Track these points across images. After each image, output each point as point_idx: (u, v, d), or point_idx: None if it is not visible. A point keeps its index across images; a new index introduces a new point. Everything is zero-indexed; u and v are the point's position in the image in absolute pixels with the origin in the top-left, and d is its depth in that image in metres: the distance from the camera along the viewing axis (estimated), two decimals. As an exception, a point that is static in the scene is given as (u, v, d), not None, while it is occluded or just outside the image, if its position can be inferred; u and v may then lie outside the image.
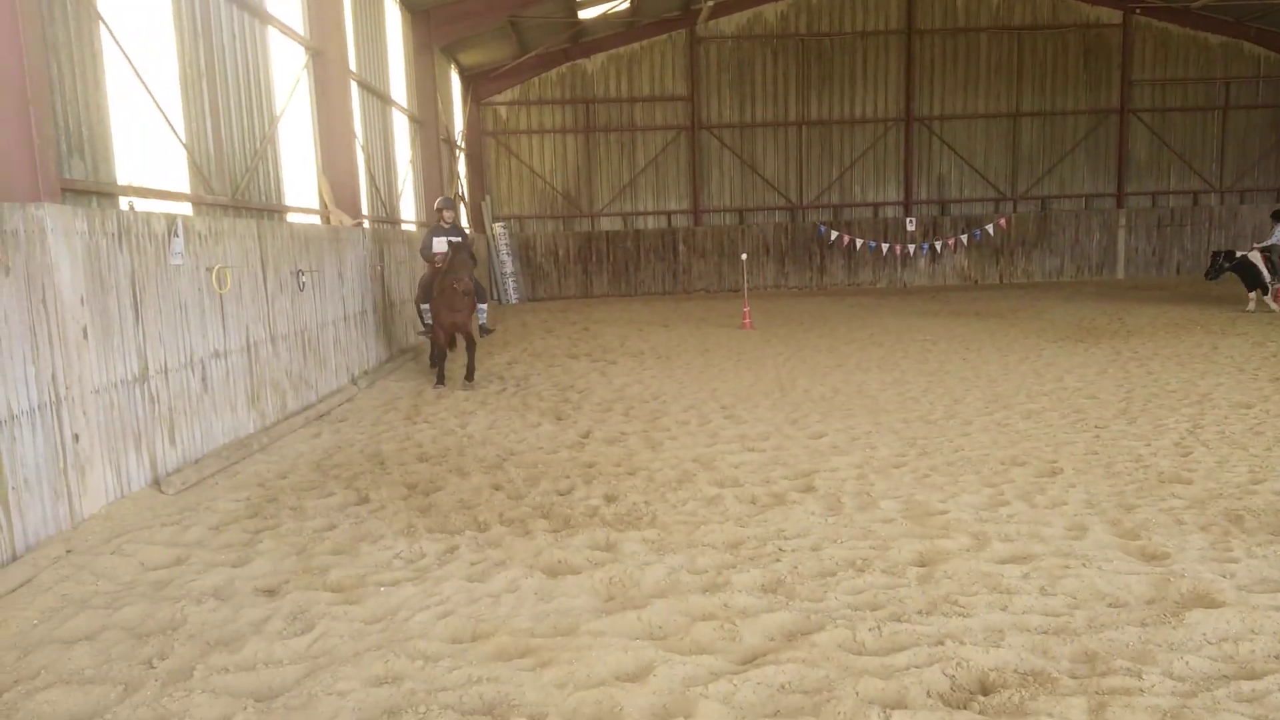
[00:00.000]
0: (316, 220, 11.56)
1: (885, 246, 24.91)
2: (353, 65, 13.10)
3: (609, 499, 5.85)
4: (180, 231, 6.58)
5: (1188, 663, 3.41)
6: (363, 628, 3.95)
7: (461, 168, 23.34)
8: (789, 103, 25.00)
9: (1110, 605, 3.98)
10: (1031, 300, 19.67)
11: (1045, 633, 3.71)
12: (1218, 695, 3.17)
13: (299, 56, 11.35)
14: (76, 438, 5.36)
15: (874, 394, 9.33)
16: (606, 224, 25.40)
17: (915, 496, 5.68)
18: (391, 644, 3.74)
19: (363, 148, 13.73)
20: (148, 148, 7.39)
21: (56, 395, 5.20)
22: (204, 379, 6.93)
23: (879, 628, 3.75)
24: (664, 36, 24.44)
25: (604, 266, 24.84)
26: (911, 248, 24.99)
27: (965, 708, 3.16)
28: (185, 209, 8.28)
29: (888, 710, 3.10)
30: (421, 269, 12.57)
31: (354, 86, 13.20)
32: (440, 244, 10.71)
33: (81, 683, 3.48)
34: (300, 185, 11.44)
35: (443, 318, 10.36)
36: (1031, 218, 25.56)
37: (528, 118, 24.80)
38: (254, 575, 4.61)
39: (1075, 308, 17.59)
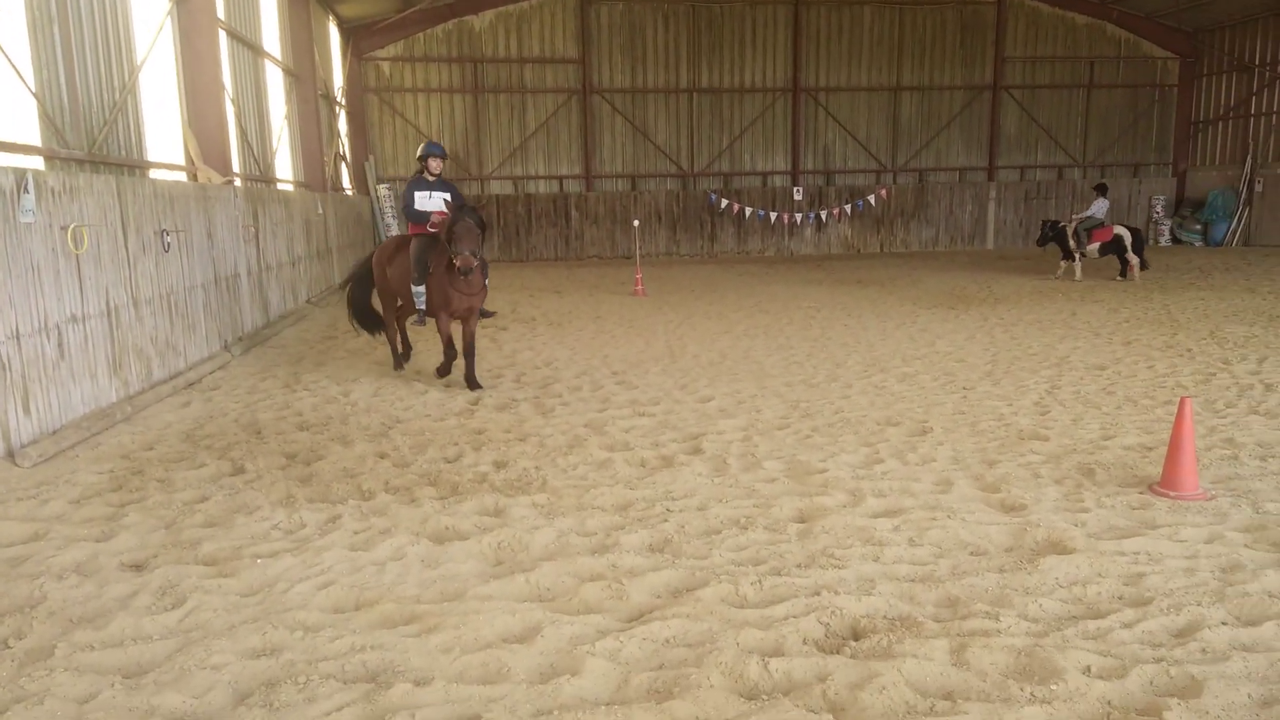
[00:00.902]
0: (183, 177, 10.92)
1: (774, 215, 25.41)
2: (220, 13, 12.36)
3: (498, 465, 5.82)
4: (30, 187, 6.09)
5: (1041, 605, 3.67)
6: (238, 600, 3.82)
7: (342, 125, 22.43)
8: (680, 69, 25.05)
9: (972, 554, 4.24)
10: (909, 269, 20.49)
11: (912, 581, 3.92)
12: (1067, 634, 3.43)
13: (162, 2, 10.63)
14: (-87, 409, 4.94)
15: (760, 359, 9.56)
16: (497, 187, 24.95)
17: (797, 457, 5.88)
18: (269, 616, 3.64)
19: (233, 101, 13.01)
20: (-10, 95, 6.82)
21: (-112, 363, 4.78)
22: (60, 345, 6.48)
23: (760, 581, 3.88)
24: (554, -4, 24.05)
25: (494, 231, 24.36)
26: (799, 217, 25.58)
27: (838, 653, 3.32)
28: (37, 163, 7.68)
29: (766, 658, 3.23)
30: (368, 239, 9.48)
31: (222, 35, 12.46)
32: (430, 200, 8.18)
33: (-75, 669, 3.25)
34: (165, 140, 10.77)
35: (454, 304, 7.88)
36: (910, 189, 26.52)
37: (413, 75, 24.01)
38: (119, 550, 4.38)
39: (948, 276, 18.44)
